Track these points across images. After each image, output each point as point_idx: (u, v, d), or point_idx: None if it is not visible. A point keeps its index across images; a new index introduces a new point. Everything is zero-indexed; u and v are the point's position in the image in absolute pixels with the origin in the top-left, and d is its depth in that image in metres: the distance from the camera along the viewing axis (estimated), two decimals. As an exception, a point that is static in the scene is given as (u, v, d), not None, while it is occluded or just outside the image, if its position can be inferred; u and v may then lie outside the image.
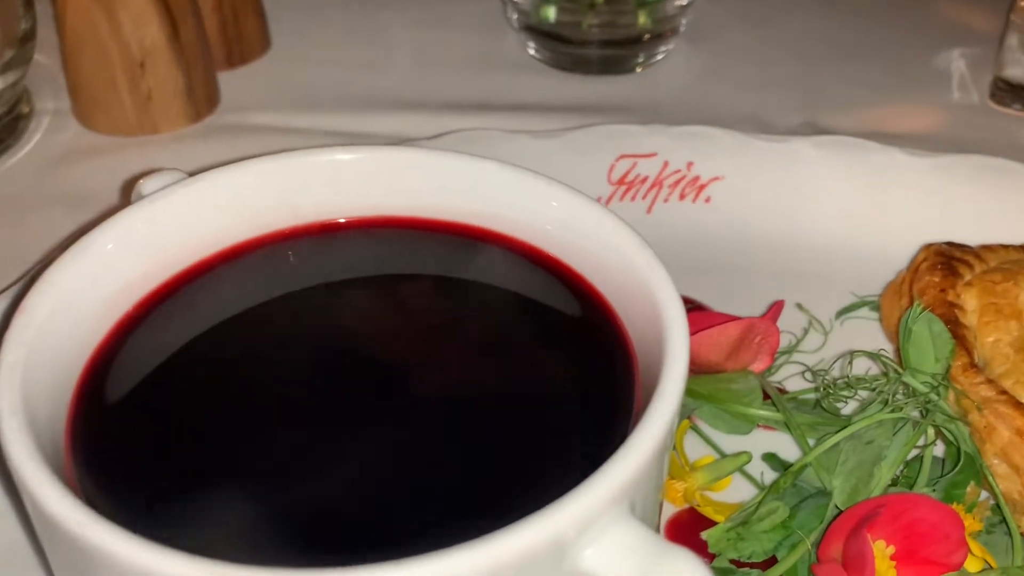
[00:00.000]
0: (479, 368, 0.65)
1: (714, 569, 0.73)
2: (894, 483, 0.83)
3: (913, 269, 0.93)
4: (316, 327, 0.64)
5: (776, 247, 1.10)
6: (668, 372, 0.60)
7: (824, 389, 0.83)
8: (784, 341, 0.92)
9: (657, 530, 0.68)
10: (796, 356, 0.94)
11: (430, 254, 0.74)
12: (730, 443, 0.88)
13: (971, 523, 0.75)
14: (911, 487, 0.81)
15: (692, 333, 0.90)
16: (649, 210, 1.13)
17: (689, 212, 1.13)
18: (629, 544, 0.51)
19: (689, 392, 0.89)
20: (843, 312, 1.00)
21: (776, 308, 0.92)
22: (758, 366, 0.92)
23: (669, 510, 0.82)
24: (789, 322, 0.96)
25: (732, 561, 0.76)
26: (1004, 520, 0.77)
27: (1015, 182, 1.10)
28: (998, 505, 0.77)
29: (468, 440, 0.57)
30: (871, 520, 0.71)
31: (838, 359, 0.84)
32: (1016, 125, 1.38)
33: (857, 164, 1.13)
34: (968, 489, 0.80)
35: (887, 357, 0.82)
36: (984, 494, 0.79)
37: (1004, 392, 0.79)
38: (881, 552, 0.71)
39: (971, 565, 0.74)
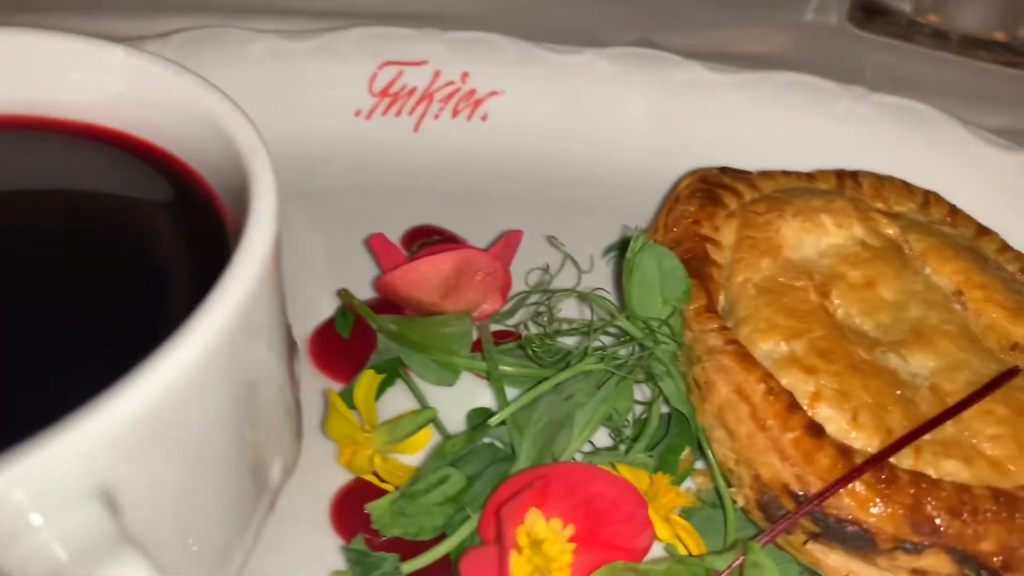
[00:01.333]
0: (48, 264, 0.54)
1: (347, 552, 0.61)
2: (613, 447, 0.71)
3: (673, 198, 0.80)
4: None
5: (558, 174, 0.97)
6: (248, 237, 0.47)
7: (527, 336, 0.70)
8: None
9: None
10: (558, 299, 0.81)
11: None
12: (456, 400, 0.75)
13: (677, 498, 0.64)
14: (628, 452, 0.69)
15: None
16: (416, 127, 0.98)
17: (462, 131, 0.98)
18: (84, 530, 0.39)
19: (398, 337, 0.76)
20: (612, 249, 0.87)
21: (507, 240, 0.79)
22: (488, 308, 0.79)
23: (346, 479, 0.69)
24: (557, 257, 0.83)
25: (393, 541, 0.63)
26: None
27: (825, 101, 0.97)
28: (711, 474, 0.66)
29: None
30: (541, 495, 0.59)
31: (548, 299, 0.71)
32: (873, 48, 1.25)
33: (655, 80, 0.99)
34: (682, 456, 0.68)
35: (605, 298, 0.69)
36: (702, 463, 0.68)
37: (733, 342, 0.66)
38: (556, 533, 0.59)
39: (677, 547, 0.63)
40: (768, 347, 0.67)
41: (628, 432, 0.71)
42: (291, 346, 0.63)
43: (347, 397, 0.69)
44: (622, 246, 0.82)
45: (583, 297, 0.70)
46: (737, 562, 0.55)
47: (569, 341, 0.74)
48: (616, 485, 0.59)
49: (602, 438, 0.73)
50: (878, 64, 1.23)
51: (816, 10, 1.32)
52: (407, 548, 0.63)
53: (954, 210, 0.83)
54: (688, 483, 0.70)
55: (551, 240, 0.85)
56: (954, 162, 0.92)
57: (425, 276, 0.74)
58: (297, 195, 0.93)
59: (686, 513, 0.67)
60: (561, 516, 0.60)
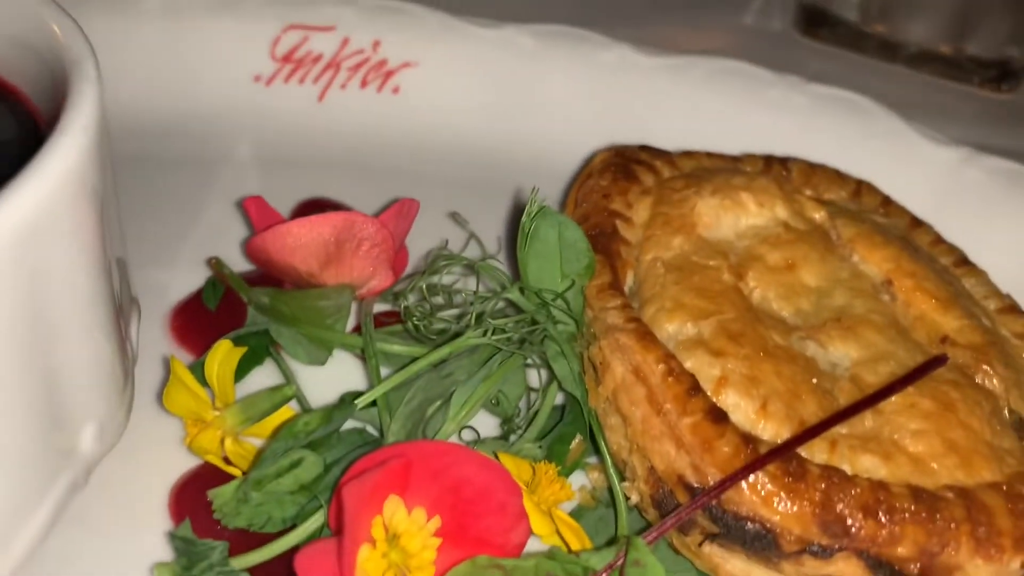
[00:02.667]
0: None
1: (172, 540, 0.52)
2: (501, 437, 0.63)
3: (586, 173, 0.73)
4: None
5: (471, 152, 0.89)
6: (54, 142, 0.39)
7: (405, 308, 0.62)
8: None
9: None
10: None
11: None
12: (332, 384, 0.66)
13: (562, 490, 0.56)
14: (516, 442, 0.61)
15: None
16: (321, 96, 0.90)
17: (371, 103, 0.91)
18: None
19: (269, 310, 0.68)
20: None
21: (399, 208, 0.71)
22: (377, 284, 0.71)
23: (189, 464, 0.61)
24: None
25: (235, 533, 0.55)
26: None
27: (758, 89, 0.91)
28: (604, 466, 0.58)
29: None
30: (401, 479, 0.51)
31: (430, 270, 0.63)
32: (817, 55, 1.20)
33: (580, 59, 0.92)
34: (573, 445, 0.60)
35: (497, 268, 0.61)
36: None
37: (635, 320, 0.59)
38: (418, 526, 0.51)
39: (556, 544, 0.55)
40: (673, 328, 0.60)
41: (519, 421, 0.63)
42: (125, 300, 0.55)
43: (199, 371, 0.60)
44: (518, 213, 0.75)
45: (470, 267, 0.62)
46: (618, 561, 0.48)
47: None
48: (487, 470, 0.51)
49: (492, 428, 0.65)
50: (821, 72, 1.18)
51: (758, 13, 1.28)
52: (256, 542, 0.55)
53: (887, 200, 0.77)
54: (584, 481, 0.63)
55: (454, 216, 0.78)
56: (890, 156, 0.87)
57: (301, 240, 0.66)
58: (186, 161, 0.86)
59: (578, 513, 0.60)
60: (425, 506, 0.52)
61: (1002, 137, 1.02)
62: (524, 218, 0.60)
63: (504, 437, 0.63)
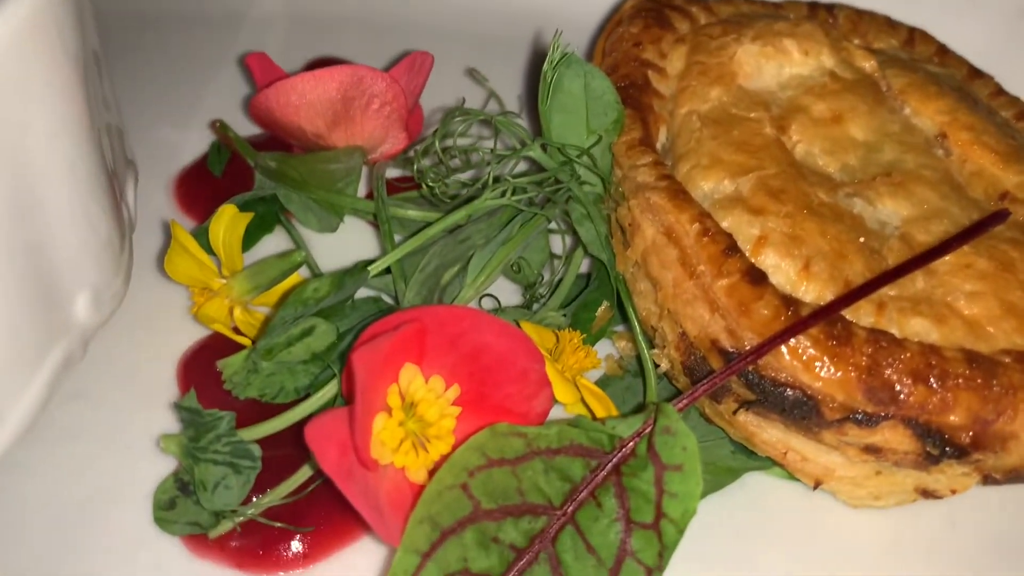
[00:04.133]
0: None
1: (178, 411, 0.50)
2: (523, 305, 0.60)
3: (616, 20, 0.67)
4: None
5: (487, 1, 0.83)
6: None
7: (419, 169, 0.58)
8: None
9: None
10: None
11: None
12: (346, 254, 0.63)
13: (587, 358, 0.53)
14: (539, 310, 0.58)
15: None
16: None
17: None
18: None
19: (277, 175, 0.64)
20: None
21: (411, 62, 0.66)
22: (389, 147, 0.67)
23: (198, 334, 0.58)
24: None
25: (246, 404, 0.52)
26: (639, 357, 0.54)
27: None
28: (632, 334, 0.55)
29: None
30: (417, 346, 0.48)
31: (444, 128, 0.58)
32: None
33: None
34: (599, 312, 0.57)
35: (517, 124, 0.57)
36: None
37: (667, 178, 0.54)
38: (436, 394, 0.48)
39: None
40: (710, 186, 0.55)
41: (543, 290, 0.60)
42: (119, 165, 0.51)
43: (203, 238, 0.57)
44: (539, 63, 0.70)
45: (488, 123, 0.58)
46: (646, 428, 0.45)
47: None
48: (507, 336, 0.48)
49: (514, 296, 0.62)
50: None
51: None
52: (269, 414, 0.53)
53: (943, 49, 0.71)
54: (611, 350, 0.60)
55: (472, 73, 0.73)
56: (946, 2, 0.80)
57: (306, 97, 0.62)
58: (191, 19, 0.81)
59: (605, 382, 0.57)
60: (443, 374, 0.49)
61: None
62: (546, 66, 0.55)
63: (527, 306, 0.59)
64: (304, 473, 0.50)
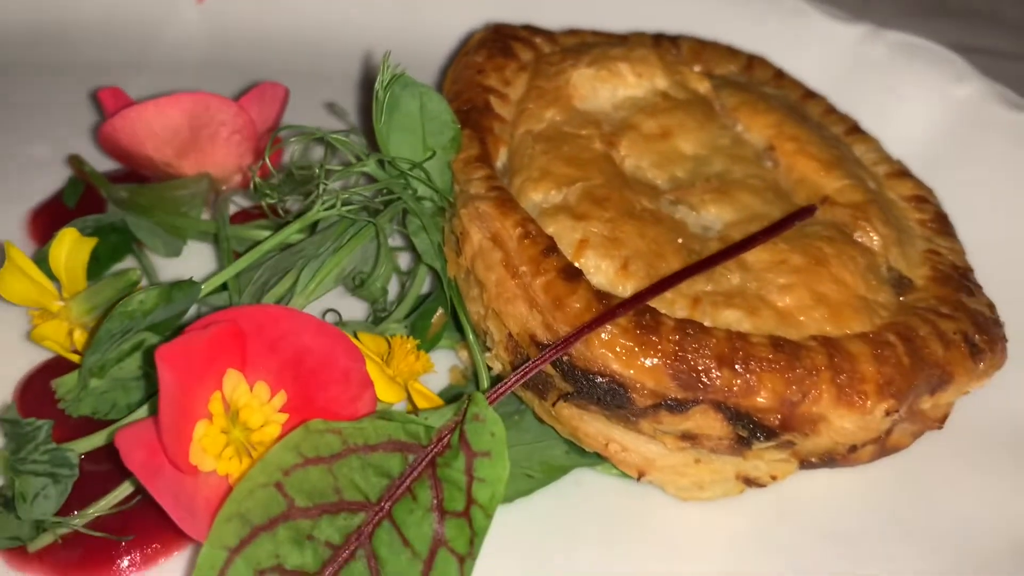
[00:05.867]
0: None
1: (2, 423, 0.49)
2: (375, 322, 0.61)
3: (463, 52, 0.70)
4: None
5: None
6: None
7: (254, 183, 0.59)
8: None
9: None
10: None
11: None
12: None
13: (417, 362, 0.54)
14: (381, 322, 0.59)
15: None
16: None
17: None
18: None
19: (128, 204, 0.65)
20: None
21: (260, 92, 0.67)
22: (244, 176, 0.68)
23: (39, 358, 0.58)
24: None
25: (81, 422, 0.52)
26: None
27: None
28: (463, 338, 0.56)
29: None
30: (238, 352, 0.48)
31: (272, 145, 0.59)
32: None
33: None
34: (434, 318, 0.58)
35: (352, 142, 0.58)
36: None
37: (497, 188, 0.56)
38: (260, 400, 0.49)
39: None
40: (539, 197, 0.58)
41: (390, 305, 0.61)
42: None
43: (43, 261, 0.57)
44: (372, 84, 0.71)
45: (320, 139, 0.59)
46: (458, 417, 0.46)
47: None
48: (325, 334, 0.48)
49: (363, 314, 0.63)
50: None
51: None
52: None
53: (780, 74, 0.75)
54: (456, 360, 0.61)
55: (331, 107, 0.75)
56: (790, 33, 0.84)
57: (152, 125, 0.63)
58: (44, 66, 0.81)
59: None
60: (268, 380, 0.49)
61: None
62: (377, 85, 0.57)
63: (374, 322, 0.60)
64: (129, 486, 0.50)
